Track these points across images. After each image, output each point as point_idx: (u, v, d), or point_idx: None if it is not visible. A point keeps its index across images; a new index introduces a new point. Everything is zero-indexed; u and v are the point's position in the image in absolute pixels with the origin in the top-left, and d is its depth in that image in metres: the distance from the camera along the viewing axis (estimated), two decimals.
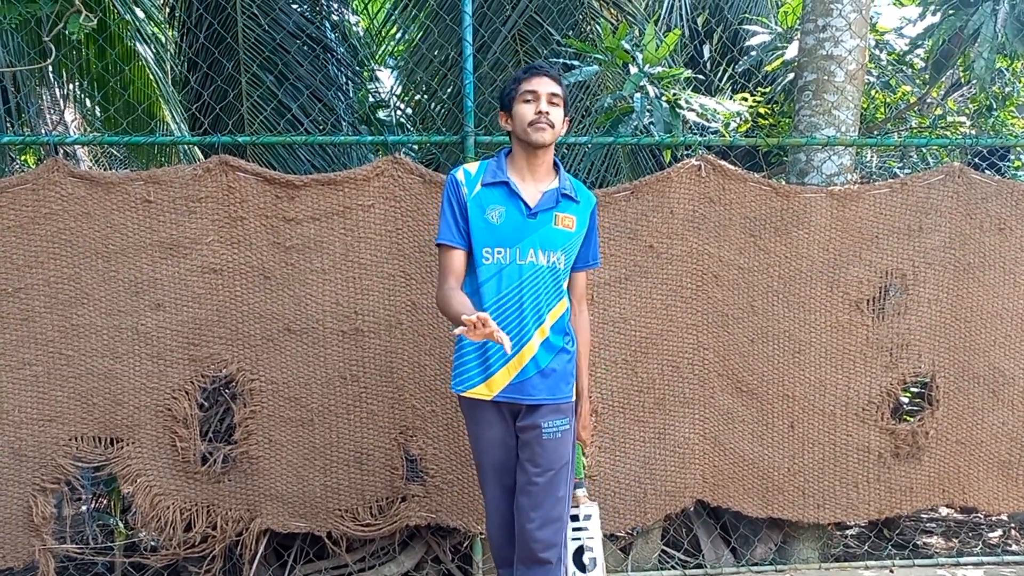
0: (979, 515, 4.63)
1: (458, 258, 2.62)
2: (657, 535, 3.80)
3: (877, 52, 5.05)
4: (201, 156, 5.37)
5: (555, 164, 2.72)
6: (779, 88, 5.28)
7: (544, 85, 2.61)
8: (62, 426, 3.33)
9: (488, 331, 2.25)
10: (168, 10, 6.02)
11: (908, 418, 3.90)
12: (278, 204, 3.35)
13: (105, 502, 3.97)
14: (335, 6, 5.96)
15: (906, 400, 4.10)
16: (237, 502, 3.44)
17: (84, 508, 3.88)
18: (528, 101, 2.61)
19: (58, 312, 3.30)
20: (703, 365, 3.60)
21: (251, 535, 3.44)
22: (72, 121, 7.57)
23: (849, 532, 4.32)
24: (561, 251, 2.63)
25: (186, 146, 5.46)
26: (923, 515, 4.68)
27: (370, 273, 3.41)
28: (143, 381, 3.35)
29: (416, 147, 6.14)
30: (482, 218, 2.60)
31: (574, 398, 2.70)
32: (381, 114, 6.54)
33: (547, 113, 2.58)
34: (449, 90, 5.70)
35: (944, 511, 4.74)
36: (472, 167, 2.71)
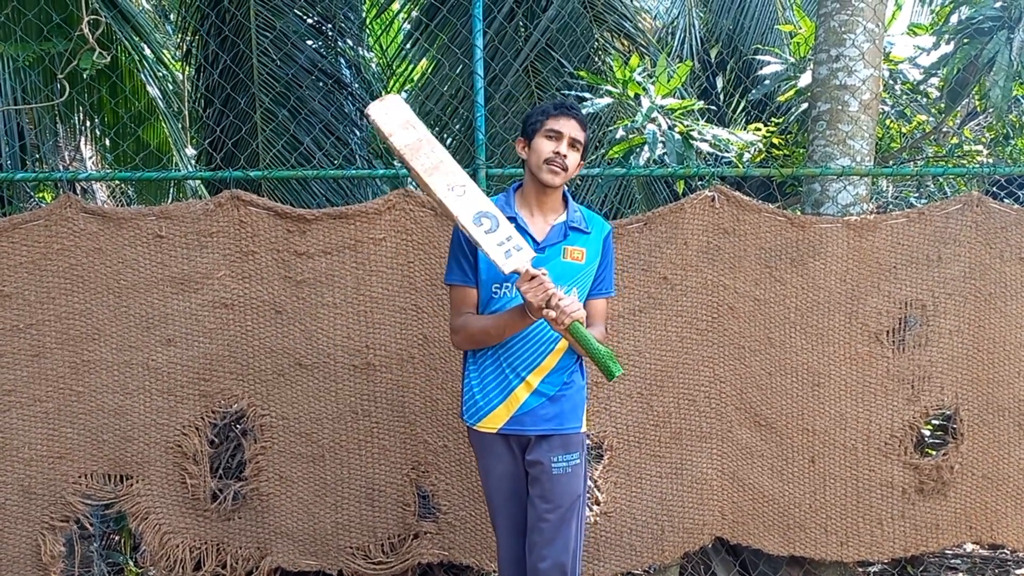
0: (1005, 551, 4.51)
1: (470, 294, 2.63)
2: (675, 573, 3.72)
3: (891, 82, 5.02)
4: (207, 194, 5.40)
5: (564, 196, 2.71)
6: (792, 118, 5.26)
7: (570, 128, 2.59)
8: (72, 463, 3.30)
9: (542, 288, 2.31)
10: (185, 48, 6.09)
11: (930, 452, 3.82)
12: (289, 238, 3.34)
13: (115, 540, 3.93)
14: (348, 41, 6.01)
15: (928, 433, 4.01)
16: (247, 540, 3.39)
17: (93, 546, 3.83)
18: (550, 138, 2.59)
19: (69, 348, 3.28)
20: (720, 398, 3.54)
21: (261, 574, 3.39)
22: (90, 157, 7.65)
23: (872, 569, 4.21)
24: (571, 284, 2.59)
25: (194, 183, 5.50)
26: (947, 551, 4.56)
27: (381, 307, 3.38)
28: (153, 417, 3.32)
29: None
30: None
31: (583, 429, 2.65)
32: None
33: (564, 156, 2.57)
34: (460, 124, 5.71)
35: (969, 547, 4.62)
36: None
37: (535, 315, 2.39)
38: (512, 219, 2.60)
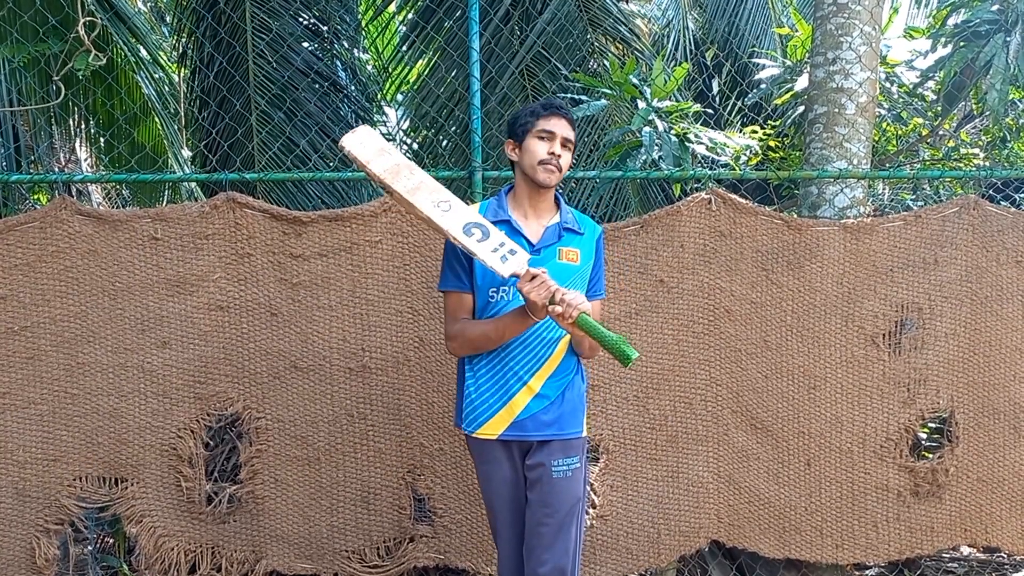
0: (1002, 555, 4.51)
1: (466, 300, 2.61)
2: None
3: (888, 85, 5.03)
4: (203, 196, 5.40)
5: (556, 198, 2.70)
6: (789, 121, 5.26)
7: (562, 127, 2.57)
8: (66, 466, 3.29)
9: (544, 287, 2.31)
10: (181, 50, 6.08)
11: (926, 455, 3.82)
12: (285, 240, 3.33)
13: (109, 543, 3.91)
14: (345, 44, 6.00)
15: (924, 436, 4.02)
16: (242, 543, 3.38)
17: (88, 550, 3.82)
18: (542, 139, 2.56)
19: (64, 350, 3.27)
20: (716, 402, 3.53)
21: None
22: (85, 159, 7.64)
23: (868, 572, 4.21)
24: (567, 285, 2.55)
25: (190, 185, 5.50)
26: (944, 555, 4.56)
27: (377, 309, 3.37)
28: (149, 420, 3.31)
29: None
30: None
31: (584, 433, 2.64)
32: None
33: (559, 156, 2.55)
34: (456, 126, 5.71)
35: (966, 550, 4.62)
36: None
37: (538, 315, 2.38)
38: (506, 222, 2.59)
